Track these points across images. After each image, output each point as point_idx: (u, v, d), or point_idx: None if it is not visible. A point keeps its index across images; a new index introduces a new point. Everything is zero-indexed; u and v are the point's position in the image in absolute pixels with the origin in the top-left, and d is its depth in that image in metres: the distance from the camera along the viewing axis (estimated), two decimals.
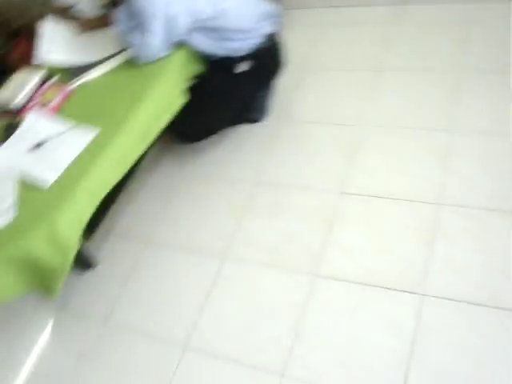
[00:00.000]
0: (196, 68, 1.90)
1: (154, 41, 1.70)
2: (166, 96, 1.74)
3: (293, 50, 2.26)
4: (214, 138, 2.15)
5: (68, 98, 1.82)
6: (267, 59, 1.99)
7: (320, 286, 1.63)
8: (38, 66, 1.93)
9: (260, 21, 1.89)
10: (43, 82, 1.85)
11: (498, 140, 1.82)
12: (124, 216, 2.07)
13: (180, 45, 1.81)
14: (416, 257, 1.60)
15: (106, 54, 1.90)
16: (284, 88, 2.28)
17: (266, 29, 1.93)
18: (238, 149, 2.16)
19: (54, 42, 1.99)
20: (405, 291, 1.54)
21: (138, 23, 1.71)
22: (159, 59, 1.78)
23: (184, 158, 2.21)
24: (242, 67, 1.91)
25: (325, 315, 1.56)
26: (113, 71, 1.86)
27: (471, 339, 1.40)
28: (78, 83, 1.86)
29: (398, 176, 1.84)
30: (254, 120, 2.21)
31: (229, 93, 1.97)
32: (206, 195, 2.04)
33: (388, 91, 2.17)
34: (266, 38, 1.93)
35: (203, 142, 2.14)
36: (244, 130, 2.21)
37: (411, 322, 1.47)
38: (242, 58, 1.89)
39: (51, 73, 1.90)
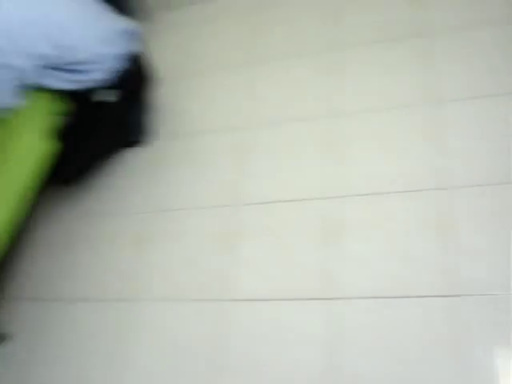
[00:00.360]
0: (58, 108, 1.75)
1: None
2: (27, 151, 1.62)
3: (163, 58, 2.14)
4: (98, 168, 2.02)
5: None
6: (130, 81, 1.84)
7: (231, 309, 1.58)
8: None
9: (110, 44, 1.74)
10: None
11: None
12: (19, 276, 1.92)
13: (31, 88, 1.64)
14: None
15: None
16: (163, 101, 2.15)
17: (121, 49, 1.78)
18: (124, 175, 2.02)
19: None
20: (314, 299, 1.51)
21: None
22: (8, 111, 1.60)
23: (70, 196, 2.04)
24: (101, 95, 1.76)
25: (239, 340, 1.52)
26: None
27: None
28: None
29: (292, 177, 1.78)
30: (135, 143, 2.06)
31: (91, 124, 1.83)
32: (100, 234, 1.90)
33: (269, 83, 2.06)
34: (124, 59, 1.78)
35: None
36: (129, 155, 2.06)
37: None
38: (101, 87, 1.75)
39: None
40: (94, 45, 1.67)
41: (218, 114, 2.05)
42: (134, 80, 1.87)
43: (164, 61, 2.17)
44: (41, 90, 1.67)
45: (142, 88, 1.94)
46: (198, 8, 2.46)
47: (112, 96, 1.78)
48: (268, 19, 2.25)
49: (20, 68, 1.51)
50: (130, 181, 2.00)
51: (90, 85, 1.73)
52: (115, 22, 1.80)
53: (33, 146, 1.64)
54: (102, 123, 1.85)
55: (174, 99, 2.19)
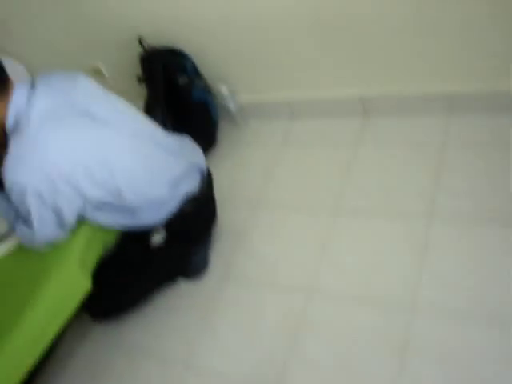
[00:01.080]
0: (106, 242, 1.69)
1: (41, 231, 1.49)
2: (65, 286, 1.55)
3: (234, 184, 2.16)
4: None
5: None
6: (191, 222, 1.75)
7: None
8: None
9: (176, 185, 1.65)
10: None
11: None
12: None
13: (83, 220, 1.60)
14: None
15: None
16: (226, 238, 2.01)
17: (186, 189, 1.68)
18: (170, 314, 1.87)
19: None
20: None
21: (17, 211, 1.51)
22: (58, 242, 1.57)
23: (110, 325, 1.92)
24: (158, 239, 1.69)
25: None
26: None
27: None
28: None
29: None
30: (190, 276, 1.93)
31: (144, 267, 1.75)
32: (132, 375, 1.78)
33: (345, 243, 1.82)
34: (188, 200, 1.69)
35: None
36: (180, 289, 1.93)
37: None
38: (159, 229, 1.68)
39: None
40: (150, 187, 1.59)
41: (281, 269, 1.86)
42: (193, 221, 1.77)
43: (236, 187, 2.18)
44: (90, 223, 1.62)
45: (201, 230, 1.86)
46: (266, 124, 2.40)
47: (162, 238, 1.70)
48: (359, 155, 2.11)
49: (67, 210, 1.48)
50: (177, 319, 1.86)
51: (143, 225, 1.66)
52: (186, 161, 1.71)
53: (67, 283, 1.56)
54: (149, 268, 1.77)
55: (238, 237, 2.01)
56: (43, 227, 1.48)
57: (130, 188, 1.53)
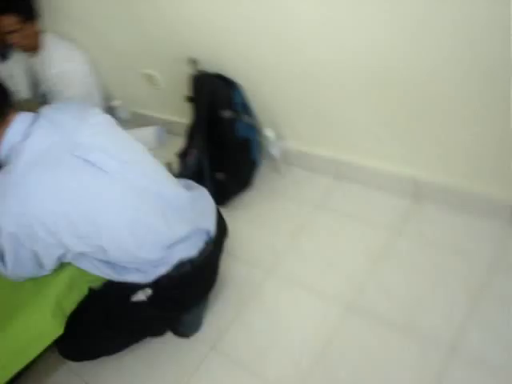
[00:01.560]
0: (92, 281, 1.57)
1: (17, 270, 1.39)
2: (34, 329, 1.45)
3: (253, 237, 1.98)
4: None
5: None
6: (182, 287, 1.56)
7: None
8: None
9: (170, 249, 1.48)
10: None
11: None
12: None
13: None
14: None
15: None
16: (225, 297, 1.83)
17: (182, 255, 1.50)
18: (146, 367, 1.72)
19: None
20: None
21: None
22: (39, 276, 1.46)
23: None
24: (140, 296, 1.52)
25: None
26: None
27: None
28: None
29: None
30: (178, 335, 1.76)
31: (120, 320, 1.59)
32: None
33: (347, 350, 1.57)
34: (182, 264, 1.50)
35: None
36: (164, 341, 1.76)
37: None
38: (145, 286, 1.51)
39: None
40: (141, 248, 1.43)
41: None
42: (182, 287, 1.57)
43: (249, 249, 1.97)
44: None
45: (191, 296, 1.66)
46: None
47: (144, 296, 1.52)
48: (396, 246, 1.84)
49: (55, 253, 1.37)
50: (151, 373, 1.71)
51: (128, 281, 1.50)
52: (191, 225, 1.52)
53: (43, 326, 1.46)
54: (126, 319, 1.60)
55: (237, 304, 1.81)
56: (19, 267, 1.38)
57: (116, 247, 1.39)
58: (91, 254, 1.39)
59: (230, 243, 1.84)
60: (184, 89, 2.17)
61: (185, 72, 2.17)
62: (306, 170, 2.17)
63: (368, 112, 1.79)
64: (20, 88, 2.71)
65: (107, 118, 1.48)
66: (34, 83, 2.64)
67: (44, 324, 1.46)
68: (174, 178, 1.61)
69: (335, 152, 2.04)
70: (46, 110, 1.39)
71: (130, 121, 2.84)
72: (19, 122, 1.32)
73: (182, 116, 2.37)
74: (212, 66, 2.08)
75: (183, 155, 2.19)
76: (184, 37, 2.12)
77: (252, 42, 1.88)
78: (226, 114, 2.03)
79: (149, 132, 2.66)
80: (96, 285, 1.58)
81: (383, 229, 1.85)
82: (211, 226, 1.58)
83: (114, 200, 1.36)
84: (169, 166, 2.15)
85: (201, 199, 1.63)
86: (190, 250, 1.52)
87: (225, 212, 1.77)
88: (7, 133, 1.30)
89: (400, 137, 1.79)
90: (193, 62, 2.11)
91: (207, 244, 1.57)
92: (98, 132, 1.40)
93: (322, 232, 1.94)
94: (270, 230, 2.02)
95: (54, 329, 1.48)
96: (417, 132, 1.73)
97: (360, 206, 1.97)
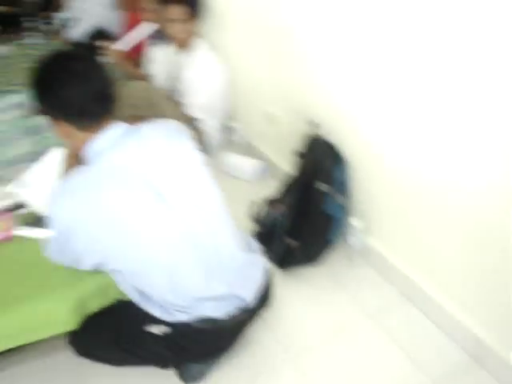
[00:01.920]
0: (120, 295, 1.55)
1: (55, 256, 1.44)
2: (49, 314, 1.48)
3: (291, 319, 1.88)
4: None
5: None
6: (199, 340, 1.52)
7: None
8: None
9: (198, 302, 1.45)
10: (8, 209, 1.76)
11: None
12: None
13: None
14: None
15: None
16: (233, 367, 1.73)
17: (207, 313, 1.45)
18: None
19: None
20: None
21: None
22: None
23: None
24: (155, 329, 1.50)
25: None
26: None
27: None
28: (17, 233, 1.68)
29: None
30: (180, 377, 1.70)
31: (128, 341, 1.57)
32: None
33: None
34: (206, 320, 1.47)
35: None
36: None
37: None
38: (162, 323, 1.49)
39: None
40: (168, 297, 1.43)
41: None
42: (199, 339, 1.52)
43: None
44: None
45: (204, 353, 1.62)
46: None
47: (159, 331, 1.50)
48: None
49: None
50: None
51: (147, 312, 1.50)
52: (227, 289, 1.47)
53: (58, 315, 1.49)
54: (133, 342, 1.57)
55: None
56: (61, 255, 1.43)
57: (147, 283, 1.41)
58: (124, 274, 1.42)
59: (270, 310, 1.79)
60: (299, 142, 2.15)
61: (305, 128, 2.14)
62: (377, 273, 2.04)
63: (463, 254, 1.64)
64: (157, 75, 2.85)
65: (197, 155, 1.49)
66: (172, 77, 2.77)
67: (59, 314, 1.50)
68: (237, 236, 1.58)
69: (411, 271, 1.89)
70: (142, 126, 1.43)
71: (242, 146, 2.89)
72: (112, 130, 1.37)
73: (288, 164, 2.34)
74: (331, 133, 2.05)
75: (271, 204, 2.17)
76: (313, 98, 2.13)
77: (377, 129, 1.82)
78: (323, 187, 1.97)
79: (253, 163, 2.68)
80: (126, 298, 1.60)
81: (425, 375, 1.67)
82: (250, 296, 1.53)
83: (164, 238, 1.36)
84: (253, 206, 2.13)
85: (252, 267, 1.58)
86: (218, 310, 1.48)
87: (281, 276, 1.70)
88: (98, 138, 1.36)
89: (479, 291, 1.62)
90: (314, 125, 2.08)
91: (240, 311, 1.52)
92: (182, 166, 1.41)
93: (360, 343, 1.80)
94: (313, 315, 1.91)
95: (68, 322, 1.51)
96: (499, 295, 1.55)
97: (413, 337, 1.80)
